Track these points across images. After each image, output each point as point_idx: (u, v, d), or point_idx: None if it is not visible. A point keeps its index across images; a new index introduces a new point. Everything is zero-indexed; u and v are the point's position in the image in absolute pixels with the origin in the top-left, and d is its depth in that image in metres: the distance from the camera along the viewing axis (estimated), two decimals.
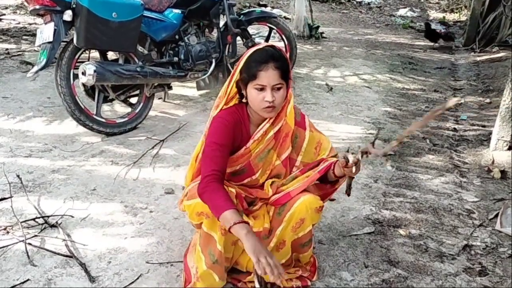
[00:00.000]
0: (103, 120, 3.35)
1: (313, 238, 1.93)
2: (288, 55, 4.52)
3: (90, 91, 3.42)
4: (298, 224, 1.81)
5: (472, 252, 2.27)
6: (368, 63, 6.08)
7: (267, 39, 4.61)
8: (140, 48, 3.43)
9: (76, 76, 3.19)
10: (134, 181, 2.77)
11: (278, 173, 1.96)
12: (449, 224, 2.50)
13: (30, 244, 2.11)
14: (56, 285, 1.89)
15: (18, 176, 2.69)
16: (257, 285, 1.84)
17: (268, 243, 1.86)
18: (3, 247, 2.09)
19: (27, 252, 2.05)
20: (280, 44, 4.80)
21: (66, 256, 2.06)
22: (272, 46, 1.81)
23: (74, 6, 3.00)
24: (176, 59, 3.69)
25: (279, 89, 1.76)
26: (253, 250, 1.53)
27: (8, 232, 2.20)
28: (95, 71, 3.08)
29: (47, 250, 2.09)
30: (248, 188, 1.95)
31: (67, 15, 2.99)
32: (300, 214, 1.79)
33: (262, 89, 1.75)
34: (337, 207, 2.60)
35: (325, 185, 1.93)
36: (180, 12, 3.70)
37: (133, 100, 3.65)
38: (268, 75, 1.73)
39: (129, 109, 3.60)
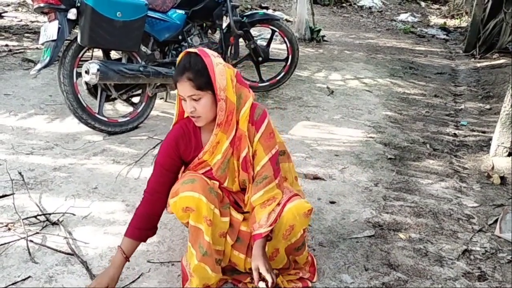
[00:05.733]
0: (105, 119, 3.36)
1: (306, 241, 1.93)
2: (290, 57, 4.56)
3: (92, 89, 3.42)
4: (288, 232, 1.81)
5: (472, 257, 2.28)
6: (369, 67, 6.09)
7: (269, 41, 4.62)
8: (143, 48, 3.44)
9: (79, 75, 3.20)
10: (136, 180, 2.77)
11: (243, 179, 1.90)
12: (449, 228, 2.51)
13: (31, 241, 2.11)
14: (57, 283, 1.90)
15: (20, 173, 2.69)
16: (257, 285, 1.85)
17: None
18: (5, 244, 2.09)
19: (28, 249, 2.05)
20: (282, 47, 4.82)
21: (68, 253, 2.06)
22: (191, 53, 1.75)
23: (78, 4, 3.01)
24: None
25: (199, 99, 1.73)
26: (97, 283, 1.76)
27: (9, 229, 2.20)
28: (98, 69, 3.09)
29: (49, 247, 2.09)
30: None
31: (72, 14, 3.00)
32: (289, 222, 1.79)
33: (184, 99, 1.75)
34: (338, 210, 2.61)
35: None
36: (183, 12, 3.71)
37: (135, 99, 3.65)
38: (182, 87, 1.72)
39: (131, 109, 3.61)
